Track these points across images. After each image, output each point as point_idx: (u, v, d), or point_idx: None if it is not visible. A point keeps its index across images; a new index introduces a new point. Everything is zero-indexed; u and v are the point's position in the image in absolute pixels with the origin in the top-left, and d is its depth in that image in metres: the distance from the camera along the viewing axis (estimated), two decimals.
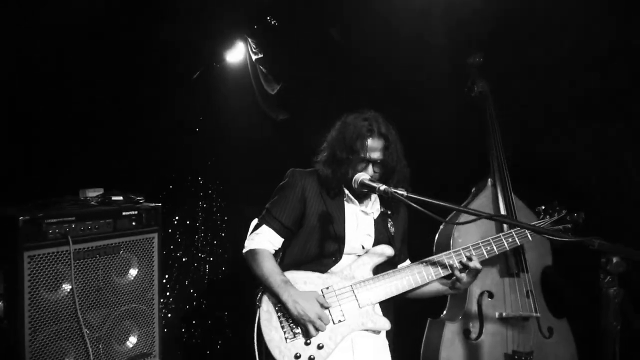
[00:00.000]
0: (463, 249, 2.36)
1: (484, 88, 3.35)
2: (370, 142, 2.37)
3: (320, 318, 2.18)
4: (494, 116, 3.29)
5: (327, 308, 2.23)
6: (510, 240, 2.45)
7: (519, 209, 3.10)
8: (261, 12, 4.52)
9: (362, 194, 2.40)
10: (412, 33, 3.69)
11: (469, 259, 2.30)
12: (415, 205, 1.92)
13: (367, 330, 2.29)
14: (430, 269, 2.33)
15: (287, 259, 2.40)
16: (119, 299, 2.93)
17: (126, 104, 4.13)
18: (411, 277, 2.31)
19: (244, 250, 2.44)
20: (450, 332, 2.98)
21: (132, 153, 4.17)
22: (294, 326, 2.22)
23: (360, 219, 2.43)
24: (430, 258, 2.36)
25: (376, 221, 2.46)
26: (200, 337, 4.89)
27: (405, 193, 1.99)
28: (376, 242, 2.41)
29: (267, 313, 2.24)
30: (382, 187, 2.09)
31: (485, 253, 2.37)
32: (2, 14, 3.19)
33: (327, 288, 2.27)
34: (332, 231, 2.34)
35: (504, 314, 2.98)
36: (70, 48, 3.53)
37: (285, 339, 2.20)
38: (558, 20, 3.28)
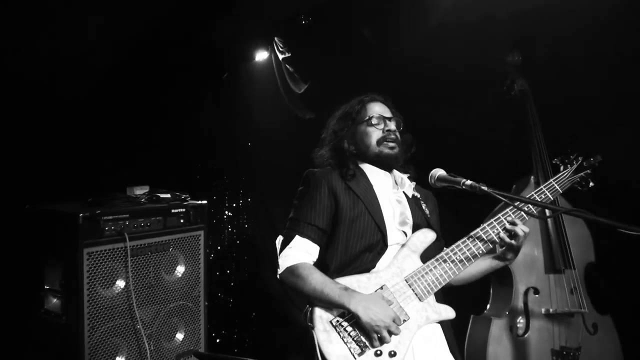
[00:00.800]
0: (502, 214, 2.20)
1: (523, 86, 3.36)
2: (376, 105, 2.35)
3: (394, 320, 1.99)
4: (535, 114, 3.30)
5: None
6: (543, 196, 2.28)
7: (562, 205, 3.11)
8: (292, 11, 4.52)
9: (386, 167, 2.34)
10: (447, 32, 3.70)
11: (513, 223, 2.16)
12: (507, 201, 1.91)
13: (429, 323, 2.17)
14: (479, 244, 2.17)
15: (332, 265, 2.15)
16: (168, 296, 2.95)
17: (155, 108, 4.17)
18: (462, 255, 2.16)
19: (280, 271, 2.16)
20: (498, 328, 3.00)
21: (160, 152, 4.20)
22: (359, 338, 2.00)
23: (394, 204, 2.29)
24: (472, 233, 2.19)
25: (410, 202, 2.32)
26: (227, 335, 4.92)
27: (486, 188, 1.96)
28: (415, 227, 2.25)
29: (324, 332, 2.00)
30: (467, 181, 2.01)
31: (524, 215, 2.19)
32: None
33: (382, 288, 2.10)
34: (372, 220, 2.18)
35: (550, 310, 2.99)
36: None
37: (353, 355, 1.98)
38: (599, 18, 3.29)
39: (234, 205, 5.17)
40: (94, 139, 3.70)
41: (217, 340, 4.83)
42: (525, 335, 3.00)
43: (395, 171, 2.38)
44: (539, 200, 2.25)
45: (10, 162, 3.24)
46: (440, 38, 3.71)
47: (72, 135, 3.51)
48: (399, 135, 2.34)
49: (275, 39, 4.91)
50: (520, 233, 2.14)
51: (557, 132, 3.36)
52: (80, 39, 3.26)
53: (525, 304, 3.03)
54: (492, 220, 2.20)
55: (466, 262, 2.17)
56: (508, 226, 2.17)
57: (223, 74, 4.85)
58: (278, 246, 2.27)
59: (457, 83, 3.68)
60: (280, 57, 4.92)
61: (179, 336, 3.04)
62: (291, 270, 2.12)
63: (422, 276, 2.14)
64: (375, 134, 2.31)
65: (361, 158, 2.36)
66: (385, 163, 2.32)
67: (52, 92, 3.34)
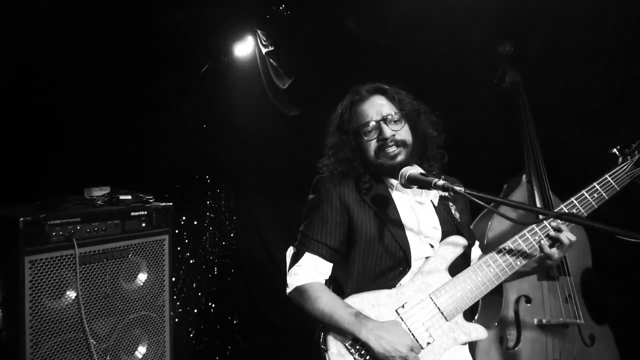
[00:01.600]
0: (546, 219, 1.96)
1: (515, 78, 3.16)
2: (365, 106, 2.04)
3: (412, 349, 1.79)
4: (527, 108, 3.09)
5: (411, 332, 1.87)
6: (596, 195, 1.99)
7: (556, 207, 2.87)
8: (274, 1, 4.30)
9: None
10: (437, 22, 3.47)
11: (557, 229, 1.92)
12: (483, 203, 1.66)
13: (457, 345, 1.94)
14: (516, 253, 1.94)
15: (347, 288, 1.96)
16: (128, 306, 2.72)
17: (130, 100, 3.94)
18: (497, 268, 1.93)
19: (289, 290, 2.00)
20: (486, 340, 2.75)
21: (136, 150, 4.00)
22: None
23: (419, 213, 2.04)
24: (512, 239, 1.96)
25: (437, 209, 2.08)
26: (208, 342, 4.71)
27: (463, 189, 1.72)
28: (444, 235, 2.01)
29: (339, 356, 1.83)
30: (440, 181, 1.77)
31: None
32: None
33: (403, 307, 1.88)
34: (392, 238, 1.94)
35: (543, 321, 2.77)
36: (67, 38, 3.33)
37: None
38: (594, 6, 3.05)
39: (216, 206, 4.95)
40: (62, 139, 3.48)
41: (198, 348, 4.62)
42: (516, 348, 2.77)
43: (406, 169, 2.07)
44: (592, 200, 1.98)
45: None
46: (427, 28, 3.48)
47: (37, 136, 3.28)
48: (402, 134, 2.02)
49: (258, 32, 4.71)
50: (566, 241, 1.91)
51: (550, 127, 3.13)
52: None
53: (516, 313, 2.81)
54: (533, 226, 1.95)
55: (501, 276, 1.95)
56: (552, 233, 1.93)
57: (202, 67, 4.61)
58: (288, 260, 2.08)
59: (445, 76, 3.46)
60: (264, 50, 4.73)
61: (141, 349, 2.81)
62: (299, 290, 1.95)
63: (450, 292, 1.91)
64: (370, 146, 2.03)
65: (369, 168, 2.09)
66: (394, 173, 2.00)
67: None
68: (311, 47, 4.37)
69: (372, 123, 2.01)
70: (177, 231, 4.56)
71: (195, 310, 4.68)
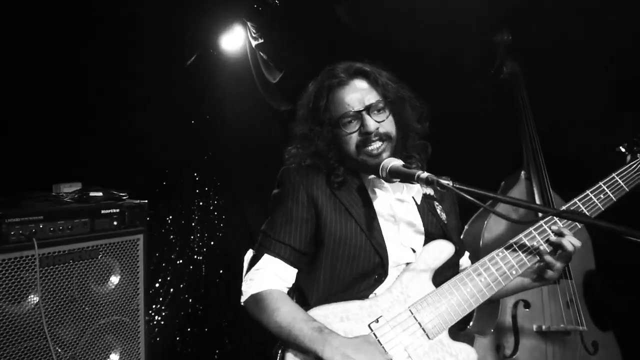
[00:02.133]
0: (546, 222, 1.75)
1: (514, 69, 2.99)
2: (344, 91, 1.78)
3: None
4: (526, 100, 2.92)
5: (387, 353, 1.61)
6: (602, 196, 1.79)
7: (558, 206, 2.70)
8: None
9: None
10: (431, 9, 3.29)
11: (559, 234, 1.71)
12: (473, 200, 1.43)
13: None
14: (512, 261, 1.71)
15: (311, 298, 1.71)
16: (98, 310, 2.55)
17: (111, 92, 3.78)
18: (489, 277, 1.70)
19: (243, 298, 1.74)
20: (482, 348, 2.59)
21: (120, 146, 3.83)
22: None
23: (398, 212, 1.80)
24: (507, 244, 1.75)
25: (421, 208, 1.85)
26: (195, 345, 4.54)
27: (451, 183, 1.48)
28: (428, 239, 1.78)
29: None
30: (424, 174, 1.54)
31: (576, 223, 1.73)
32: None
33: (377, 321, 1.62)
34: (366, 240, 1.71)
35: (543, 327, 2.59)
36: (44, 25, 3.16)
37: None
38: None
39: (204, 204, 4.79)
40: (43, 132, 3.32)
41: (184, 352, 4.45)
42: (514, 357, 2.60)
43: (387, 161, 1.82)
44: (599, 202, 1.78)
45: None
46: (420, 15, 3.30)
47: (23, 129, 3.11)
48: (386, 126, 1.77)
49: (248, 24, 4.56)
50: (569, 247, 1.70)
51: (551, 120, 2.95)
52: None
53: (514, 319, 2.64)
54: (530, 229, 1.74)
55: (494, 287, 1.70)
56: (553, 238, 1.72)
57: (189, 59, 4.45)
58: (245, 264, 1.82)
59: (440, 66, 3.28)
60: (254, 43, 4.58)
61: (114, 357, 2.64)
62: (256, 299, 1.69)
63: (433, 305, 1.66)
64: (351, 139, 1.78)
65: (347, 164, 1.85)
66: (375, 170, 1.77)
67: None
68: (301, 39, 4.22)
69: (353, 113, 1.77)
70: (163, 230, 4.42)
71: (182, 313, 4.51)
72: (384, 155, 1.75)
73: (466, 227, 2.85)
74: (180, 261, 4.59)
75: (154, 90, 4.16)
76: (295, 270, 1.76)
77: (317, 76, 1.90)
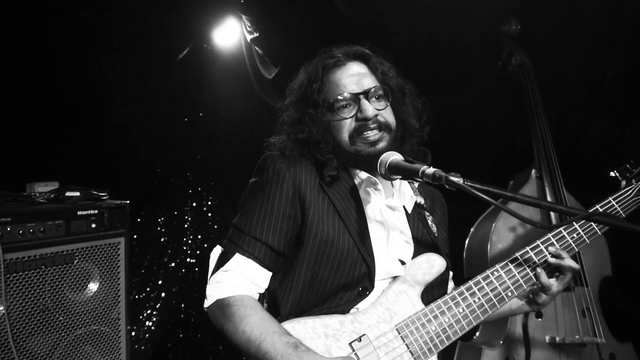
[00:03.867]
0: (542, 242, 1.62)
1: (523, 60, 2.82)
2: (341, 73, 1.64)
3: None
4: (537, 94, 2.72)
5: None
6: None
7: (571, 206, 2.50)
8: None
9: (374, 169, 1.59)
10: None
11: (557, 256, 1.58)
12: (487, 198, 1.24)
13: None
14: (507, 281, 1.56)
15: (286, 306, 1.52)
16: (74, 320, 2.36)
17: (100, 88, 3.61)
18: (483, 298, 1.53)
19: (207, 303, 1.56)
20: None
21: (107, 144, 3.67)
22: None
23: (388, 219, 1.63)
24: (504, 263, 1.60)
25: (411, 217, 1.69)
26: (188, 352, 4.38)
27: (461, 180, 1.28)
28: (417, 251, 1.63)
29: None
30: (429, 169, 1.34)
31: (572, 244, 1.62)
32: None
33: (359, 340, 1.45)
34: (354, 247, 1.53)
35: (557, 339, 2.40)
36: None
37: None
38: None
39: (197, 205, 4.63)
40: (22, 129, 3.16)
41: (177, 359, 4.29)
42: None
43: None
44: (596, 226, 1.66)
45: None
46: (423, 4, 3.12)
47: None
48: (386, 116, 1.61)
49: (243, 17, 4.42)
50: (568, 270, 1.58)
51: (563, 113, 2.77)
52: None
53: (525, 329, 2.47)
54: (527, 249, 1.60)
55: (488, 309, 1.54)
56: (551, 260, 1.59)
57: (180, 53, 4.29)
58: (212, 262, 1.61)
59: (445, 58, 3.11)
60: (249, 37, 4.43)
61: None
62: (221, 305, 1.49)
63: (423, 325, 1.50)
64: (345, 126, 1.61)
65: (339, 155, 1.66)
66: (368, 164, 1.62)
67: None
68: (297, 33, 4.06)
69: (350, 96, 1.59)
70: (154, 232, 4.28)
71: (174, 319, 4.35)
72: (381, 144, 1.59)
73: (472, 229, 2.66)
74: (173, 264, 4.44)
75: (145, 85, 4.01)
76: (270, 274, 1.56)
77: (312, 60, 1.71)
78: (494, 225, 2.51)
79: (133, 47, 3.75)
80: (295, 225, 1.55)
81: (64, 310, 2.33)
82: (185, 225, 4.61)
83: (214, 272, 1.56)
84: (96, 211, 2.46)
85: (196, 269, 4.62)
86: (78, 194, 2.47)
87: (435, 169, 1.34)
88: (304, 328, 1.42)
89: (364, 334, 1.44)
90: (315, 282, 1.50)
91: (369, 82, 1.62)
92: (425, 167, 1.36)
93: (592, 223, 1.64)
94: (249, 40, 4.46)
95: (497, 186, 1.31)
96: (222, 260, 1.55)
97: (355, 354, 1.42)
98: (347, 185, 1.62)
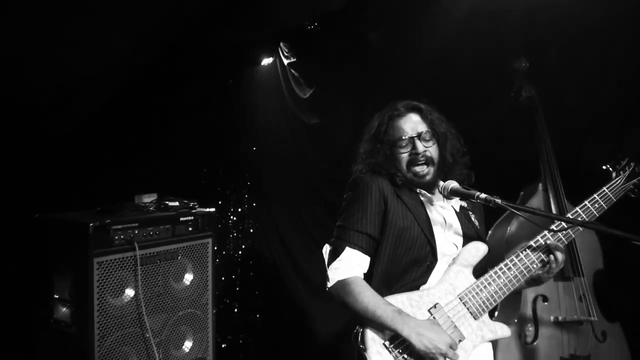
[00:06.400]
0: (542, 237, 2.16)
1: (531, 93, 3.35)
2: (402, 121, 2.22)
3: (451, 346, 1.91)
4: (543, 121, 3.30)
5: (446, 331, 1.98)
6: (597, 205, 2.23)
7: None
8: (298, 17, 4.51)
9: (426, 188, 2.22)
10: (456, 36, 3.69)
11: (553, 247, 2.13)
12: (524, 216, 1.91)
13: (484, 342, 2.11)
14: (532, 257, 2.13)
15: (376, 274, 2.07)
16: (177, 304, 2.95)
17: (159, 111, 4.17)
18: (516, 270, 2.12)
19: (330, 284, 2.07)
20: None
21: (162, 156, 4.20)
22: None
23: (443, 216, 2.20)
24: (527, 245, 2.15)
25: (459, 215, 2.25)
26: (232, 340, 4.91)
27: (500, 201, 1.94)
28: (466, 240, 2.18)
29: (377, 355, 1.92)
30: (482, 195, 1.99)
31: (563, 238, 2.16)
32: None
33: (435, 307, 2.01)
34: (421, 232, 2.09)
35: (559, 318, 2.99)
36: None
37: None
38: (608, 27, 3.28)
39: (239, 209, 5.16)
40: (98, 146, 3.70)
41: (223, 346, 4.82)
42: (534, 343, 2.99)
43: (441, 183, 2.23)
44: (594, 210, 2.22)
45: (19, 172, 3.24)
46: (447, 44, 3.71)
47: (79, 144, 3.50)
48: (432, 152, 2.20)
49: (281, 44, 4.91)
50: (555, 258, 2.14)
51: (566, 140, 3.35)
52: (96, 57, 3.28)
53: (534, 311, 3.03)
54: (545, 232, 2.16)
55: (521, 278, 2.14)
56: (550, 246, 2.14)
57: (228, 79, 4.84)
58: (326, 256, 2.17)
59: (464, 90, 3.67)
60: (286, 62, 4.93)
61: (187, 344, 3.03)
62: (342, 284, 2.03)
63: (477, 293, 2.08)
64: (403, 158, 2.21)
65: (412, 182, 2.24)
66: (422, 186, 2.21)
67: (66, 108, 3.35)
68: (331, 59, 4.58)
69: (407, 138, 2.21)
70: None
71: (220, 310, 4.86)
72: (428, 177, 2.19)
73: (490, 231, 3.24)
74: (217, 260, 4.91)
75: (196, 108, 4.53)
76: (369, 258, 2.10)
77: (381, 109, 2.36)
78: (508, 228, 3.12)
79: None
80: (382, 217, 2.13)
81: (170, 296, 2.91)
82: (228, 228, 5.13)
83: (330, 262, 2.12)
84: (192, 217, 3.03)
85: (237, 268, 5.16)
86: (177, 203, 3.05)
87: (486, 195, 1.98)
88: (396, 301, 2.01)
89: (437, 303, 2.04)
90: (396, 257, 2.07)
91: (421, 127, 2.23)
92: (479, 192, 2.00)
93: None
94: (285, 64, 4.96)
95: (507, 194, 1.93)
96: (335, 253, 2.12)
97: (433, 317, 2.01)
98: (414, 194, 2.22)
